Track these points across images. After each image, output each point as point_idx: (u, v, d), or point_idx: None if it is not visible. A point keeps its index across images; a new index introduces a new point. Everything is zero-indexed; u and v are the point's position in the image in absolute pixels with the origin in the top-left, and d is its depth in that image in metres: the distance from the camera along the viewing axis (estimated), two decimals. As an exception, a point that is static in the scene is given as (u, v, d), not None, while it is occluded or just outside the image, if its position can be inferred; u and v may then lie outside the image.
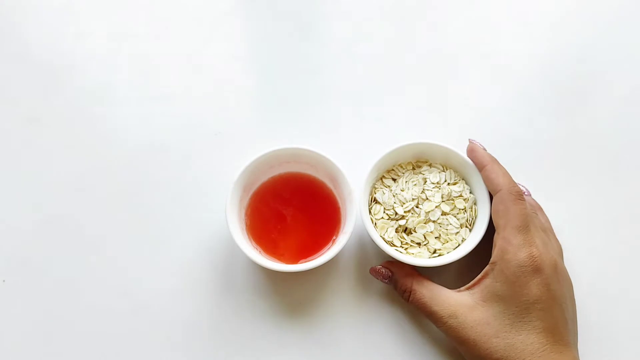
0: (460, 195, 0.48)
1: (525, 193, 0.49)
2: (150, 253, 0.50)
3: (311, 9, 0.62)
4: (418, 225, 0.47)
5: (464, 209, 0.47)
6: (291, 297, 0.49)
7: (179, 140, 0.54)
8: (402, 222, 0.47)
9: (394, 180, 0.49)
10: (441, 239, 0.47)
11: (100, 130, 0.55)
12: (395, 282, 0.46)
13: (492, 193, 0.45)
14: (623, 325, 0.48)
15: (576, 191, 0.52)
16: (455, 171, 0.49)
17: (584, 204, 0.52)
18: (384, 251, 0.45)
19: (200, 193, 0.52)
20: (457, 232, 0.47)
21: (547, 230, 0.47)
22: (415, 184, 0.48)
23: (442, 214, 0.47)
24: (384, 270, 0.47)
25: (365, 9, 0.61)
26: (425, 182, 0.48)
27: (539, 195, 0.52)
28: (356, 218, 0.46)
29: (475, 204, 0.48)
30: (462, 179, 0.49)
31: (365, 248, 0.50)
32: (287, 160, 0.49)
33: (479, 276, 0.43)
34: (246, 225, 0.48)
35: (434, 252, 0.47)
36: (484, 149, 0.48)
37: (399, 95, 0.57)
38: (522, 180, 0.52)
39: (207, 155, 0.54)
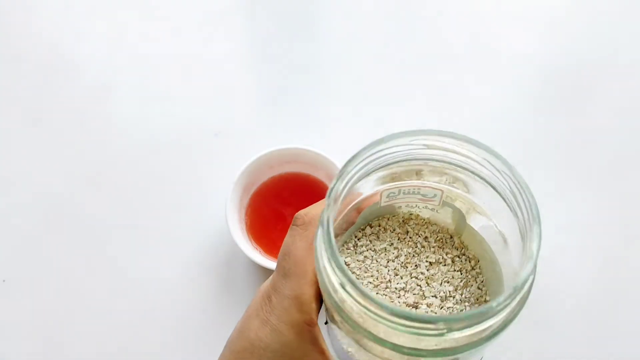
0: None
1: None
2: (150, 253, 0.50)
3: (311, 8, 0.62)
4: None
5: None
6: (291, 297, 0.49)
7: (179, 140, 0.54)
8: None
9: None
10: None
11: (100, 131, 0.55)
12: None
13: None
14: (623, 325, 0.48)
15: (576, 190, 0.52)
16: None
17: (584, 203, 0.52)
18: None
19: (200, 193, 0.52)
20: None
21: None
22: None
23: None
24: None
25: (365, 8, 0.61)
26: None
27: (539, 195, 0.52)
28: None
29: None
30: None
31: (365, 248, 0.50)
32: (287, 160, 0.49)
33: None
34: (246, 225, 0.48)
35: None
36: None
37: (399, 95, 0.57)
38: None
39: (207, 155, 0.54)
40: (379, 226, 0.33)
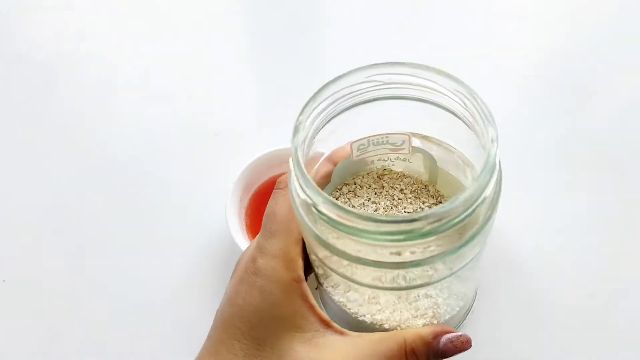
0: None
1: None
2: (150, 253, 0.50)
3: (311, 8, 0.62)
4: None
5: None
6: (291, 297, 0.49)
7: (179, 140, 0.54)
8: None
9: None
10: None
11: (100, 130, 0.55)
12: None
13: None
14: (624, 326, 0.48)
15: (576, 191, 0.52)
16: None
17: (584, 204, 0.52)
18: None
19: (200, 193, 0.52)
20: None
21: None
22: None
23: None
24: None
25: (365, 10, 0.61)
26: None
27: (538, 195, 0.52)
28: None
29: None
30: None
31: (365, 248, 0.50)
32: (287, 161, 0.49)
33: None
34: (246, 225, 0.48)
35: None
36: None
37: (399, 95, 0.57)
38: (522, 180, 0.52)
39: (207, 155, 0.54)
40: (355, 184, 0.34)
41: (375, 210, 0.33)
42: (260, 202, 0.49)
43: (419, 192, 0.34)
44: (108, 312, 0.48)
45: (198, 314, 0.48)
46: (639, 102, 0.56)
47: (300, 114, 0.28)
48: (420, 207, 0.33)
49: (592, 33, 0.60)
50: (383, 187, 0.34)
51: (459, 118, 0.30)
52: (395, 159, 0.34)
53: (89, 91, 0.57)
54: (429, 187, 0.34)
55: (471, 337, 0.47)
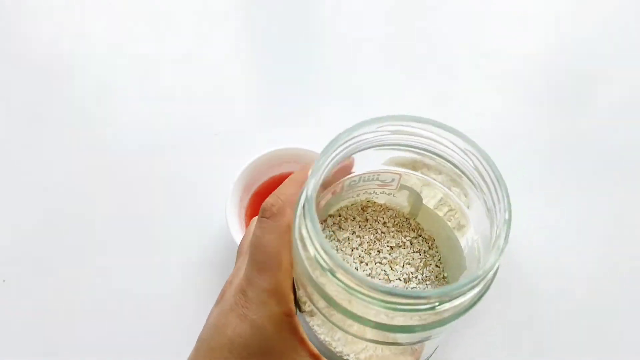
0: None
1: None
2: (149, 253, 0.50)
3: (311, 9, 0.62)
4: None
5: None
6: (291, 297, 0.49)
7: (179, 140, 0.54)
8: None
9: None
10: None
11: (100, 131, 0.55)
12: None
13: None
14: (624, 326, 0.48)
15: (576, 191, 0.52)
16: None
17: (583, 204, 0.52)
18: None
19: (200, 193, 0.52)
20: None
21: None
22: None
23: None
24: None
25: (365, 9, 0.61)
26: None
27: (538, 195, 0.52)
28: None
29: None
30: None
31: (365, 248, 0.50)
32: (287, 160, 0.49)
33: None
34: (246, 225, 0.48)
35: None
36: None
37: (400, 96, 0.57)
38: (521, 180, 0.52)
39: (207, 155, 0.54)
40: (339, 216, 0.34)
41: (360, 244, 0.33)
42: (260, 202, 0.49)
43: (400, 225, 0.34)
44: (108, 311, 0.48)
45: (198, 314, 0.48)
46: (639, 102, 0.56)
47: (311, 176, 0.28)
48: (402, 241, 0.33)
49: (592, 33, 0.60)
50: (367, 220, 0.34)
51: (466, 176, 0.30)
52: (380, 193, 0.34)
53: (89, 91, 0.57)
54: (410, 221, 0.34)
55: (471, 337, 0.47)
